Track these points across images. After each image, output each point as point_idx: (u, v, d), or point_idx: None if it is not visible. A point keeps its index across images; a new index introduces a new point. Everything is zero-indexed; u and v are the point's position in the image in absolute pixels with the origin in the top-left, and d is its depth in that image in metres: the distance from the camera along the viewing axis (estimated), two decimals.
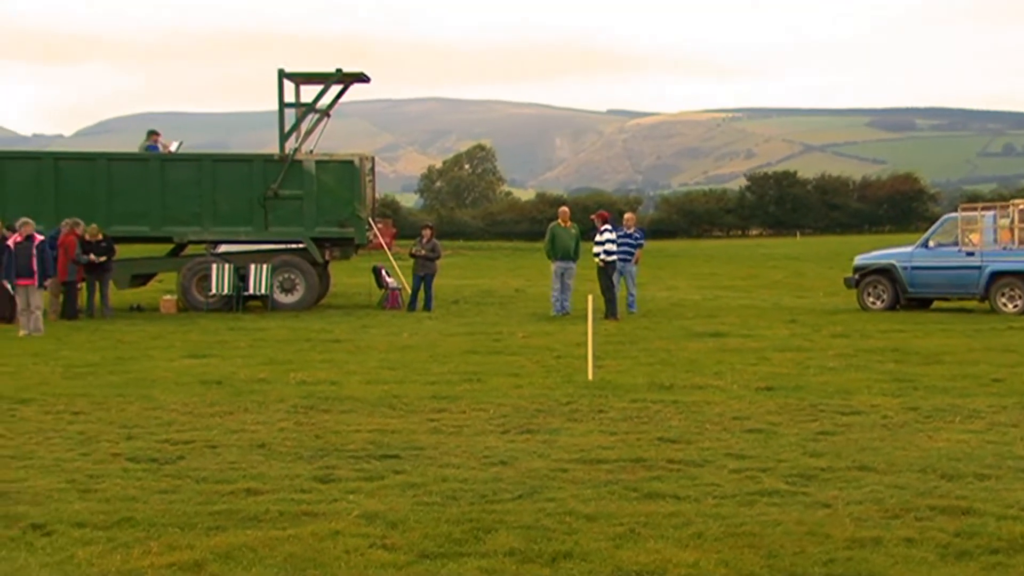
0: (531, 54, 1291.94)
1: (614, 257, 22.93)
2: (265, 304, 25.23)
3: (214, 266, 25.14)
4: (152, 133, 27.05)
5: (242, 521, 7.41)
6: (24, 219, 20.94)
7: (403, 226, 63.85)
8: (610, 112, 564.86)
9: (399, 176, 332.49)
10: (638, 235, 25.04)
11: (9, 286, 20.62)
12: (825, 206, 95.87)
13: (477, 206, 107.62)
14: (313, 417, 11.51)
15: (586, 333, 14.50)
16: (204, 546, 6.82)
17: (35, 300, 20.20)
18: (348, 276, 34.00)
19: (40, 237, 20.61)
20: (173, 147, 27.45)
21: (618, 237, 23.51)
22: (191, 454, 9.64)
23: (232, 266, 25.12)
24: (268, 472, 8.90)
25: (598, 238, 22.91)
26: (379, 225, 27.98)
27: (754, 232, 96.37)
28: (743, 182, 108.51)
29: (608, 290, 22.58)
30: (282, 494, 8.16)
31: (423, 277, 25.47)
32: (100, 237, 23.68)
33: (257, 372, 14.82)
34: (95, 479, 8.64)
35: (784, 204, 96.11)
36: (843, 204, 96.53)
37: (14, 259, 20.23)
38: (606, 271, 22.69)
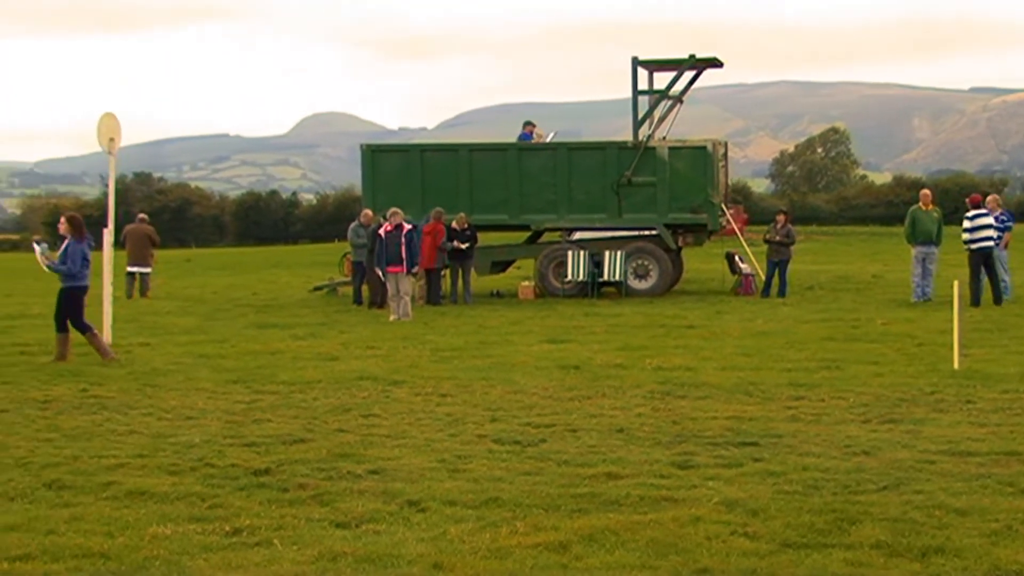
0: (884, 33, 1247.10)
1: (988, 243, 21.71)
2: (619, 290, 25.47)
3: (570, 253, 25.60)
4: (528, 124, 27.73)
5: (604, 504, 7.51)
6: (394, 209, 21.98)
7: (754, 211, 62.95)
8: (973, 90, 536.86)
9: (750, 161, 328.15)
10: (1005, 217, 23.69)
11: (380, 273, 21.69)
12: None
13: (830, 190, 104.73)
14: (670, 403, 11.53)
15: (950, 320, 13.86)
16: (568, 528, 6.95)
17: (404, 287, 21.17)
18: (701, 262, 33.84)
19: (408, 226, 21.57)
20: (548, 137, 28.10)
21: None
22: (552, 437, 9.85)
23: (587, 253, 25.50)
24: (627, 457, 8.98)
25: (966, 224, 21.82)
26: (731, 211, 27.62)
27: None
28: None
29: (975, 277, 21.48)
30: (642, 479, 8.21)
31: (777, 263, 25.06)
32: (466, 225, 24.60)
33: (613, 358, 14.98)
34: (463, 459, 8.96)
35: None
36: None
37: (385, 247, 21.28)
38: (976, 256, 21.57)
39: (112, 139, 17.64)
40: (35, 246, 15.80)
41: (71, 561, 6.41)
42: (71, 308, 15.25)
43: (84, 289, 15.43)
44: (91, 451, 9.39)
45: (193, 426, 10.62)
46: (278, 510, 7.48)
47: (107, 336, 17.12)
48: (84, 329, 15.40)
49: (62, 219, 15.67)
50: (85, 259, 15.27)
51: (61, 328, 15.26)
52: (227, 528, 7.05)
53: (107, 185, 18.49)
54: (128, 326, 19.32)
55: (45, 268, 15.66)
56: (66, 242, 15.32)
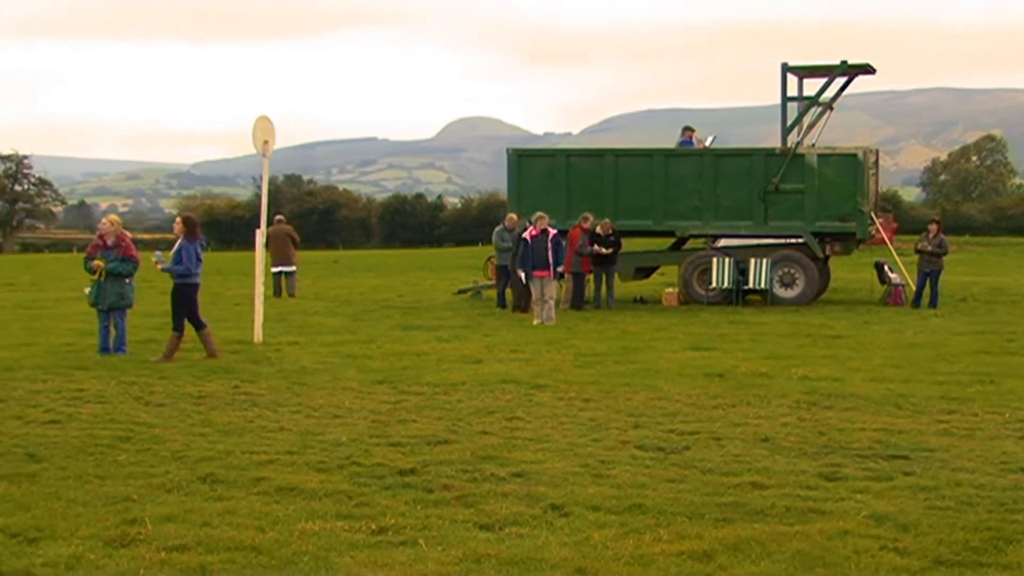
0: None
1: None
2: (764, 298, 25.16)
3: (715, 260, 25.38)
4: (687, 129, 27.56)
5: (748, 514, 7.41)
6: (539, 213, 22.06)
7: (904, 221, 61.66)
8: None
9: (900, 169, 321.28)
10: None
11: (523, 276, 21.77)
12: None
13: (985, 200, 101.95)
14: (816, 413, 11.33)
15: None
16: (712, 537, 6.88)
17: (549, 291, 21.22)
18: (848, 271, 33.26)
19: (554, 231, 21.63)
20: (708, 141, 27.92)
21: None
22: (696, 445, 9.76)
23: (732, 260, 25.25)
24: (773, 467, 8.85)
25: None
26: (881, 220, 27.09)
27: None
28: None
29: None
30: (788, 489, 8.08)
31: (928, 273, 24.48)
32: (611, 231, 24.55)
33: (758, 366, 14.79)
34: (607, 464, 8.94)
35: None
36: None
37: (531, 252, 21.36)
38: None
39: (266, 141, 18.04)
40: (153, 256, 16.30)
41: (224, 553, 6.56)
42: (186, 305, 15.74)
43: (196, 287, 15.93)
44: (243, 447, 9.61)
45: (340, 425, 10.79)
46: (423, 510, 7.56)
47: (257, 334, 17.53)
48: (200, 326, 15.90)
49: (177, 220, 16.21)
50: (198, 258, 15.80)
51: (178, 327, 15.69)
52: (373, 526, 7.15)
53: (259, 187, 18.93)
54: (278, 325, 19.74)
55: (160, 270, 16.10)
56: (179, 242, 15.82)
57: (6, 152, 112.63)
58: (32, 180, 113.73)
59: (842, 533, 6.91)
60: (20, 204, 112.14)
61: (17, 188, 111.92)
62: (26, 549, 6.61)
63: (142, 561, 6.41)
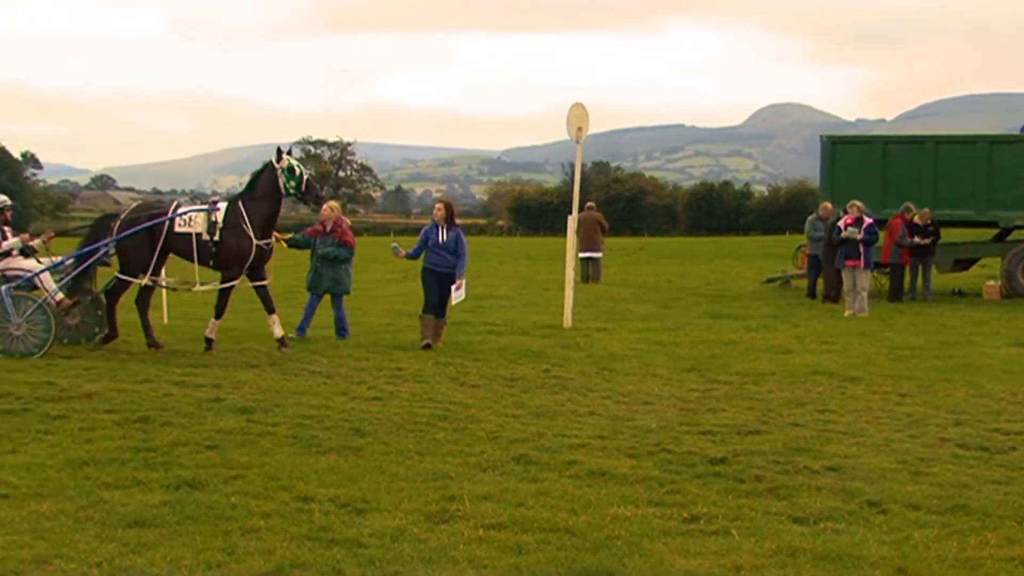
0: None
1: None
2: None
3: None
4: None
5: None
6: (853, 201, 21.50)
7: None
8: None
9: None
10: None
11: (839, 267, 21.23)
12: None
13: None
14: None
15: None
16: None
17: (862, 281, 20.63)
18: None
19: (870, 220, 21.01)
20: None
21: None
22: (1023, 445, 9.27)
23: None
24: None
25: None
26: None
27: None
28: None
29: None
30: None
31: None
32: (929, 221, 23.61)
33: None
34: (925, 462, 8.60)
35: None
36: None
37: (843, 241, 20.83)
38: None
39: (580, 128, 18.24)
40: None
41: (539, 534, 6.68)
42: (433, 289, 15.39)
43: (428, 271, 15.64)
44: (554, 429, 9.77)
45: (650, 411, 10.81)
46: (735, 500, 7.48)
47: (567, 319, 17.77)
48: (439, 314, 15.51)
49: (440, 206, 15.86)
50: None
51: (440, 312, 15.41)
52: (685, 514, 7.13)
53: (567, 173, 19.19)
54: (586, 311, 19.97)
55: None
56: (445, 229, 15.38)
57: (332, 139, 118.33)
58: (355, 166, 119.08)
59: None
60: (343, 189, 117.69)
61: (341, 174, 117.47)
62: (355, 519, 6.93)
63: (461, 537, 6.61)
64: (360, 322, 18.41)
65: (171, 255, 14.92)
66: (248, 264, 14.62)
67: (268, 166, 14.82)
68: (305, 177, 14.76)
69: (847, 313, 20.36)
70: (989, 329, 18.19)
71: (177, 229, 14.55)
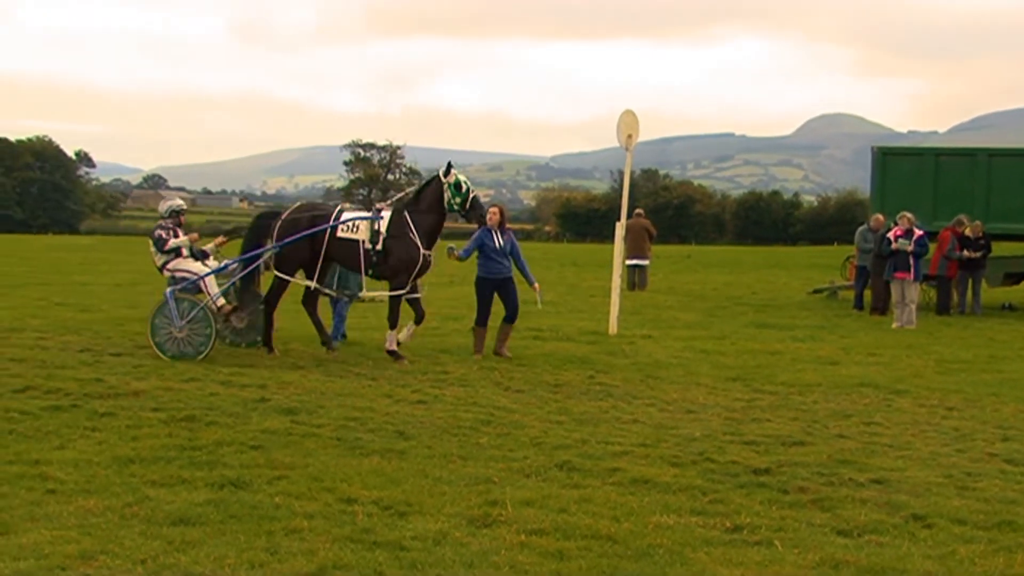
0: None
1: None
2: None
3: None
4: None
5: None
6: (904, 212, 21.33)
7: None
8: None
9: None
10: None
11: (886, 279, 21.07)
12: None
13: None
14: None
15: None
16: None
17: (910, 294, 20.45)
18: None
19: (920, 232, 20.84)
20: None
21: None
22: None
23: None
24: None
25: None
26: None
27: None
28: None
29: None
30: None
31: None
32: (980, 234, 23.35)
33: None
34: (972, 477, 8.53)
35: None
36: None
37: (892, 253, 20.68)
38: None
39: (630, 136, 18.21)
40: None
41: (581, 540, 6.68)
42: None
43: (482, 280, 15.33)
44: (598, 436, 9.75)
45: (694, 420, 10.78)
46: (778, 511, 7.45)
47: (613, 326, 17.74)
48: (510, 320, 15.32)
49: (495, 210, 15.49)
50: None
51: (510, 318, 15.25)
52: (727, 524, 7.10)
53: (615, 180, 19.16)
54: (632, 318, 19.93)
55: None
56: (500, 233, 15.17)
57: (381, 142, 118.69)
58: (404, 169, 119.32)
59: None
60: (392, 193, 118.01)
61: (390, 177, 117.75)
62: (397, 522, 6.95)
63: (503, 542, 6.61)
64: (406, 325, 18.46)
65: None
66: (415, 273, 14.35)
67: (434, 179, 14.60)
68: (472, 194, 14.53)
69: (895, 325, 20.19)
70: None
71: (340, 235, 14.36)
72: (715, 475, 8.42)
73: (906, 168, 25.54)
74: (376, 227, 14.29)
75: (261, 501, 7.27)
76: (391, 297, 14.42)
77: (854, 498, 7.77)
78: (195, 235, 15.17)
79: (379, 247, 14.25)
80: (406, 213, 14.45)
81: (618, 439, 9.66)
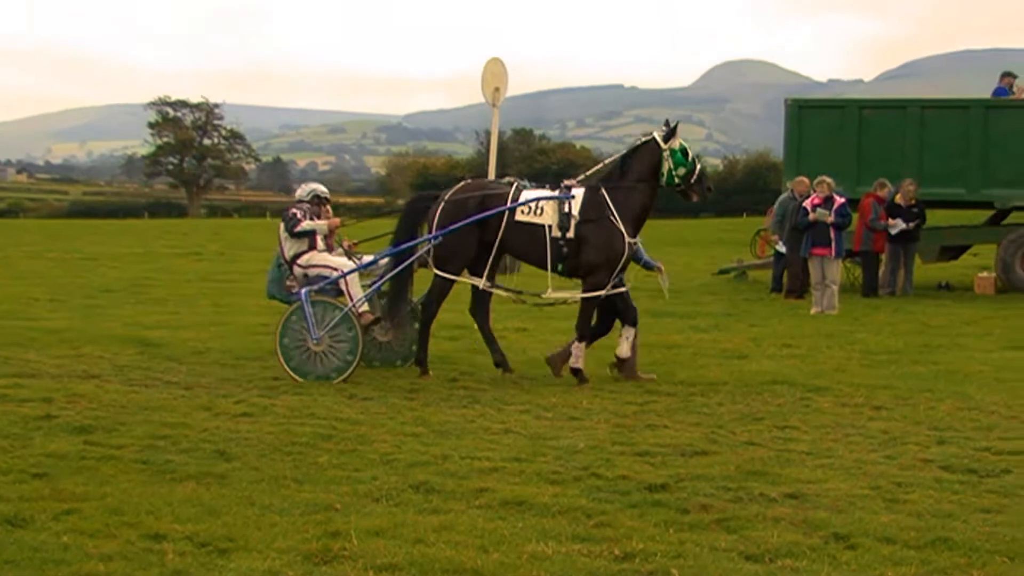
0: None
1: None
2: None
3: None
4: (1006, 75, 26.48)
5: None
6: (821, 177, 21.71)
7: None
8: None
9: None
10: None
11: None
12: None
13: None
14: None
15: None
16: None
17: (831, 273, 20.87)
18: None
19: (841, 199, 21.25)
20: None
21: None
22: (1019, 467, 9.45)
23: None
24: None
25: None
26: None
27: None
28: None
29: None
30: None
31: None
32: (913, 201, 23.75)
33: None
34: (903, 488, 8.75)
35: None
36: None
37: (810, 225, 21.05)
38: None
39: (497, 88, 18.27)
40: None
41: None
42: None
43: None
44: (462, 451, 9.78)
45: (576, 428, 10.88)
46: (676, 534, 7.55)
47: None
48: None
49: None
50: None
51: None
52: (616, 551, 7.17)
53: (481, 143, 19.22)
54: (501, 307, 19.93)
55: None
56: None
57: (195, 99, 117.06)
58: (223, 132, 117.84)
59: None
60: (209, 160, 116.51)
61: (206, 142, 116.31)
62: (216, 561, 6.89)
63: None
64: (228, 322, 18.31)
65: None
66: (619, 269, 13.72)
67: (647, 145, 13.98)
68: (699, 165, 14.02)
69: (813, 311, 20.61)
70: (980, 329, 18.54)
71: (519, 218, 13.77)
72: (602, 493, 8.50)
73: (825, 124, 26.04)
74: (566, 209, 13.67)
75: (45, 542, 7.14)
76: (583, 299, 13.86)
77: (765, 516, 7.91)
78: (337, 220, 14.35)
79: (570, 234, 13.61)
80: (603, 191, 13.77)
81: (486, 453, 9.70)
